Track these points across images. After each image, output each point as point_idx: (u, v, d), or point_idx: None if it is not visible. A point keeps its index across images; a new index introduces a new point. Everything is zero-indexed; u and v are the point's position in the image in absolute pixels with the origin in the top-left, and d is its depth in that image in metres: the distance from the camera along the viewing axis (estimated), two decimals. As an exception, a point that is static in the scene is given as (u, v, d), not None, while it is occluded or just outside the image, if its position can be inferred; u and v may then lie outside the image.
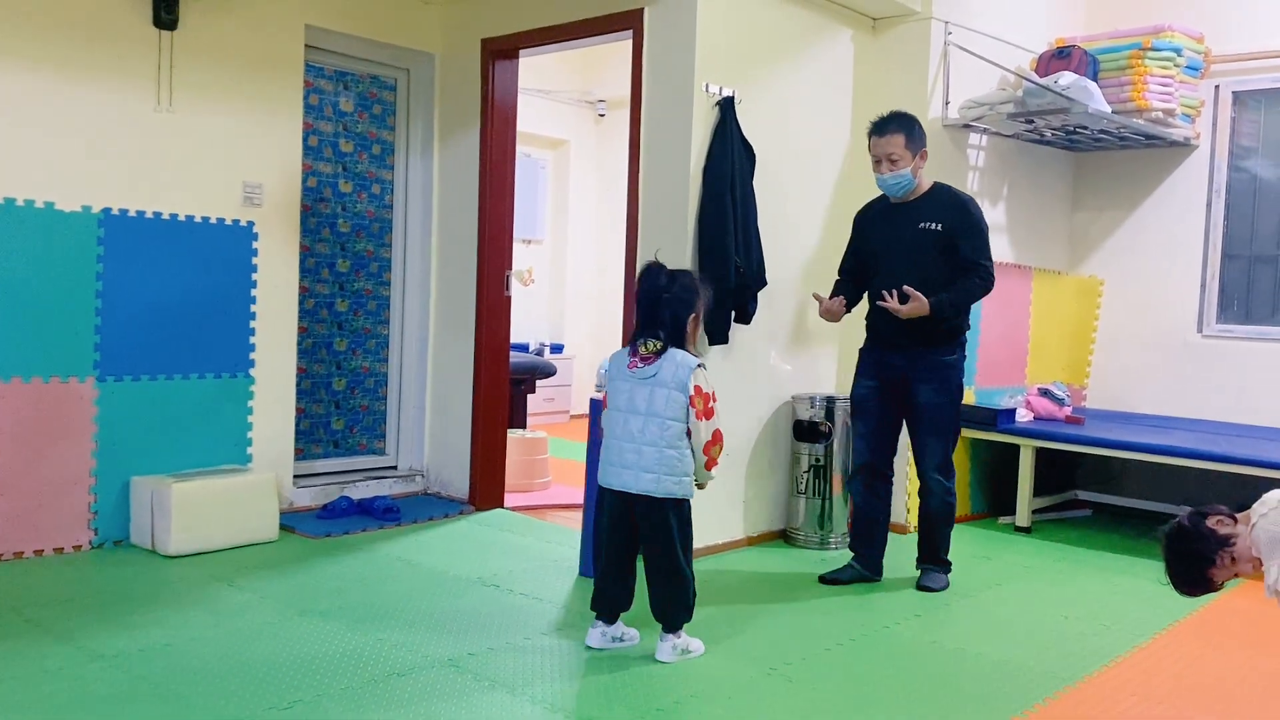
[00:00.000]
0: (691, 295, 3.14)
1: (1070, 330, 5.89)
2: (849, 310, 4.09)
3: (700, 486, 3.18)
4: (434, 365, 5.33)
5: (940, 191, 3.96)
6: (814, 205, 4.82)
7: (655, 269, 3.17)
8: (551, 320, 8.88)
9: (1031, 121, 4.95)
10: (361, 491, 5.02)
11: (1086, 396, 5.93)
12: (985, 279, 3.87)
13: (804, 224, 4.77)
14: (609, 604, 3.21)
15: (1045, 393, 5.38)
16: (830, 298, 4.07)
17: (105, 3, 4.04)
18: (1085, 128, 5.09)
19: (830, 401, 4.58)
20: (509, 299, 5.18)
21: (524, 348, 7.93)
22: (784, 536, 4.70)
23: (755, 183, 4.33)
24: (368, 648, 3.11)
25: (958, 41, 4.94)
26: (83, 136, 4.01)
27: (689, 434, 3.08)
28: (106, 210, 4.07)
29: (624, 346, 3.25)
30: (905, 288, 3.81)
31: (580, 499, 4.16)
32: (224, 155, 4.41)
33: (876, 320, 4.00)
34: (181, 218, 4.29)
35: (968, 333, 4.03)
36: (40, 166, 3.90)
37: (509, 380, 5.30)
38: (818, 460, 4.56)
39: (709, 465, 3.13)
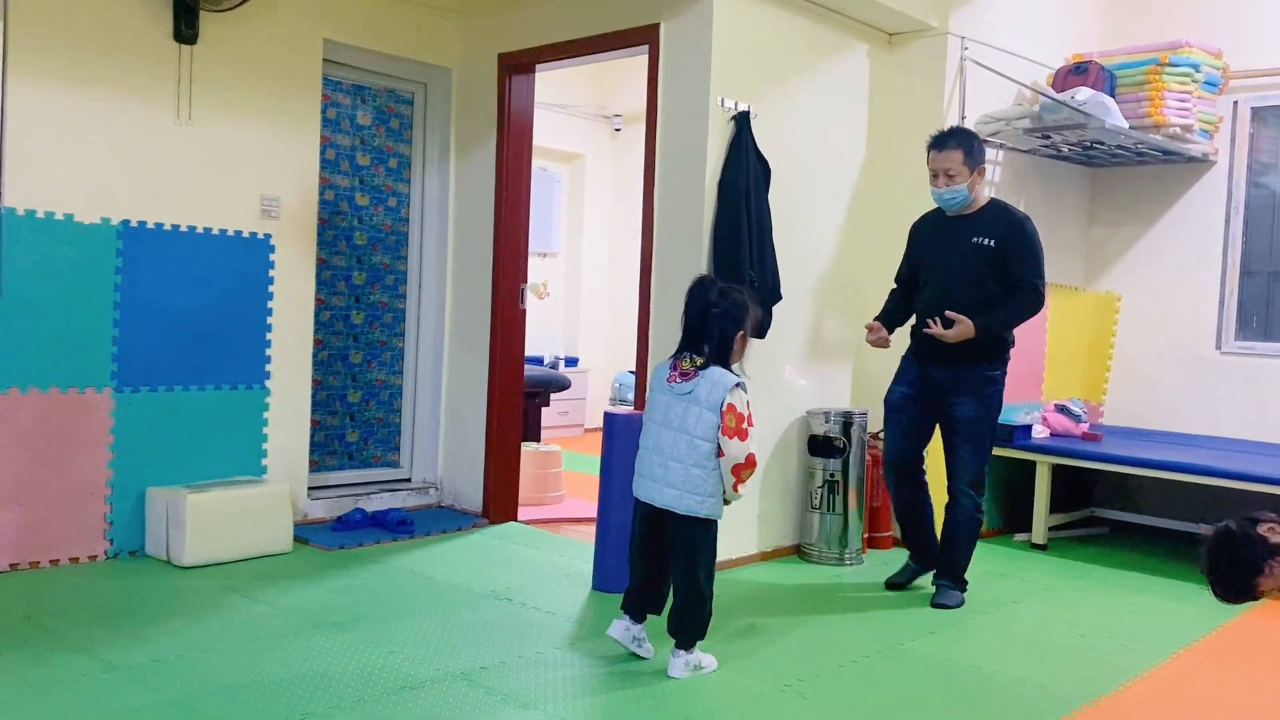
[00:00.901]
0: (741, 312, 3.10)
1: (1087, 346, 5.86)
2: (901, 324, 4.15)
3: (730, 501, 3.17)
4: (449, 378, 5.34)
5: (995, 207, 3.99)
6: (829, 220, 4.82)
7: (707, 282, 3.14)
8: (566, 333, 8.88)
9: (1048, 137, 4.94)
10: (375, 504, 5.02)
11: (1104, 413, 5.89)
12: (1034, 298, 3.87)
13: (819, 238, 4.76)
14: (639, 606, 3.23)
15: (1062, 409, 5.35)
16: (879, 315, 4.15)
17: (127, 17, 4.08)
18: (1102, 143, 5.07)
19: (847, 416, 4.56)
20: (524, 312, 5.19)
21: (538, 361, 7.94)
22: (798, 552, 4.68)
23: (770, 197, 4.33)
24: (381, 660, 3.11)
25: (974, 57, 4.94)
26: (103, 149, 4.04)
27: (719, 452, 3.05)
28: (125, 222, 4.10)
29: (668, 358, 3.22)
30: (948, 313, 3.83)
31: (594, 513, 4.15)
32: (242, 168, 4.44)
33: (921, 334, 4.00)
34: (199, 230, 4.32)
35: (1012, 349, 4.04)
36: (61, 179, 3.94)
37: (523, 393, 5.30)
38: (832, 476, 4.54)
39: (735, 486, 3.08)
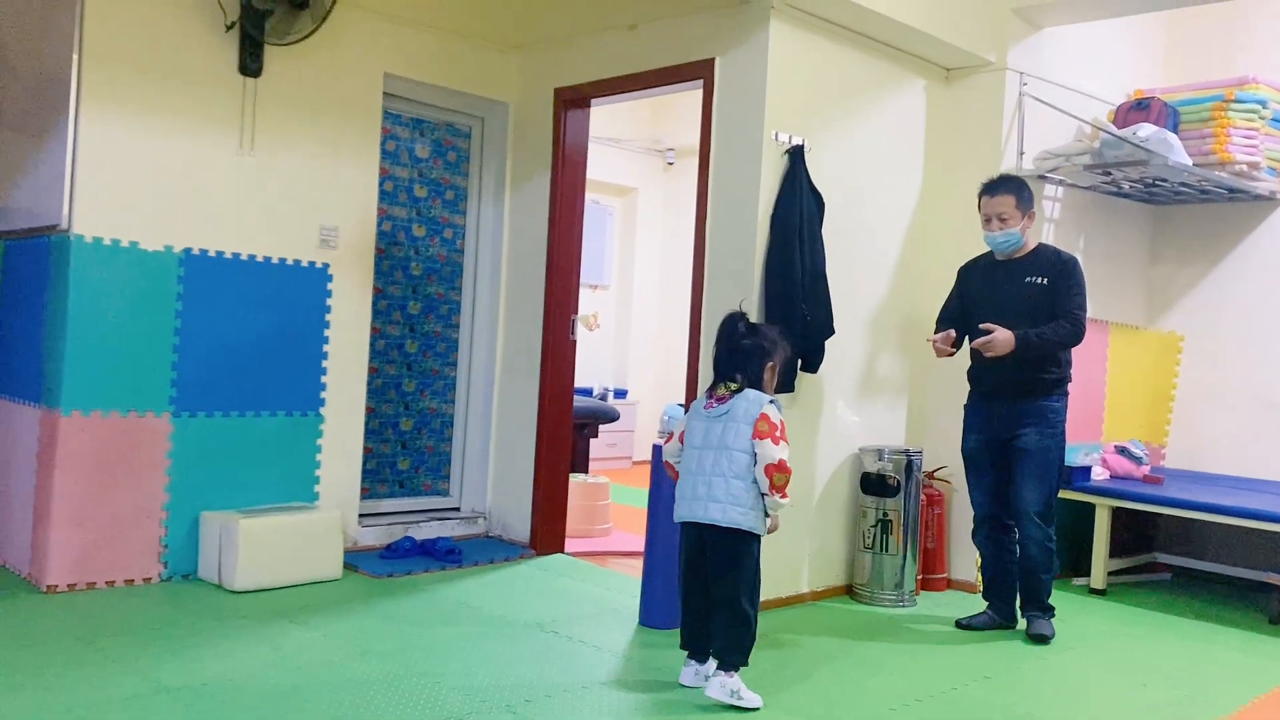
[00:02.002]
0: (769, 346, 3.22)
1: (1149, 387, 5.73)
2: (955, 350, 4.19)
3: (770, 518, 3.16)
4: (499, 407, 5.36)
5: (1045, 250, 4.14)
6: (884, 255, 4.77)
7: (735, 318, 3.26)
8: (616, 365, 8.89)
9: (1109, 173, 4.87)
10: (425, 532, 5.04)
11: (1165, 455, 5.74)
12: (1074, 325, 3.97)
13: (873, 274, 4.72)
14: (693, 641, 3.25)
15: (1122, 450, 5.22)
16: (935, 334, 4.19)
17: (195, 51, 4.19)
18: (1165, 180, 4.98)
19: (903, 455, 4.49)
20: (574, 343, 5.21)
21: (588, 392, 7.94)
22: (849, 592, 4.60)
23: (824, 231, 4.31)
24: (426, 690, 3.10)
25: (1033, 92, 4.89)
26: (168, 178, 4.14)
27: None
28: (187, 250, 4.19)
29: (703, 394, 3.31)
30: (983, 324, 3.93)
31: (641, 547, 4.13)
32: (302, 198, 4.52)
33: (980, 373, 4.15)
34: (259, 258, 4.40)
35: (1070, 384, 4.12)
36: (127, 207, 4.04)
37: (572, 424, 5.30)
38: (885, 515, 4.47)
39: (771, 490, 3.09)
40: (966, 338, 4.17)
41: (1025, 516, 4.03)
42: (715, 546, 3.15)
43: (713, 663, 3.21)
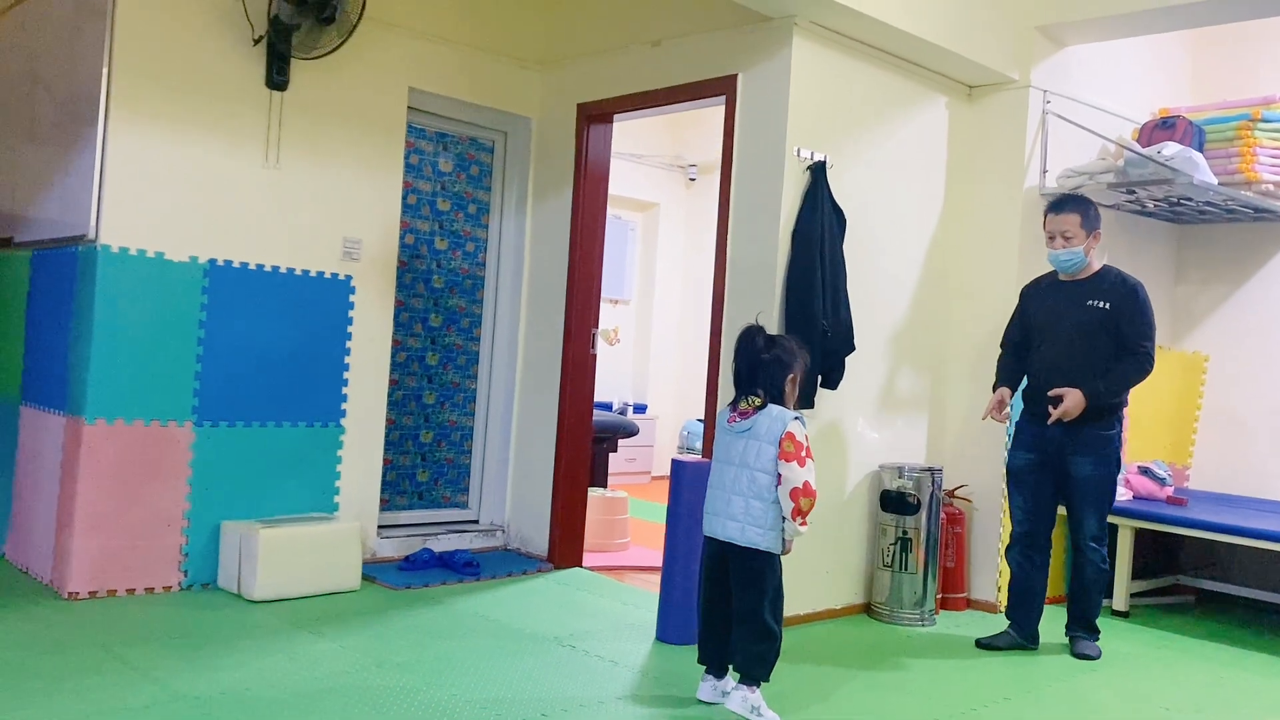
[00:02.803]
0: (789, 358, 3.21)
1: (1172, 407, 5.67)
2: (1015, 389, 4.20)
3: (786, 542, 3.14)
4: (518, 421, 5.37)
5: (1110, 272, 4.11)
6: (905, 271, 4.76)
7: (753, 332, 3.25)
8: (635, 380, 8.89)
9: (1133, 192, 4.84)
10: (443, 544, 5.05)
11: (1190, 477, 5.68)
12: (1144, 362, 3.98)
13: (895, 290, 4.71)
14: (711, 655, 3.25)
15: (1146, 471, 5.17)
16: (995, 387, 4.18)
17: (223, 65, 4.24)
18: (1190, 199, 4.95)
19: (925, 472, 4.46)
20: (594, 357, 5.21)
21: (607, 406, 7.95)
22: (868, 610, 4.57)
23: (845, 247, 4.30)
24: (442, 702, 3.10)
25: (1057, 110, 4.87)
26: (194, 190, 4.18)
27: (779, 485, 3.10)
28: (212, 261, 4.23)
29: (728, 405, 3.30)
30: (1052, 391, 3.93)
31: (659, 562, 4.12)
32: (326, 211, 4.56)
33: (1037, 395, 4.11)
34: (283, 270, 4.43)
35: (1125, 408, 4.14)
36: (153, 218, 4.08)
37: (591, 438, 5.30)
38: (905, 533, 4.44)
39: (794, 514, 3.07)
40: (1029, 367, 4.17)
41: (1084, 542, 4.06)
42: (736, 562, 3.15)
43: (730, 678, 3.20)
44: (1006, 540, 4.39)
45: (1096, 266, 4.10)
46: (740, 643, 3.14)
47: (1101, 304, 4.00)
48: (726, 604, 3.20)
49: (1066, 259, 4.06)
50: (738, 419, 3.20)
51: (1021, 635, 4.15)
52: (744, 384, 3.23)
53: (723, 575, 3.20)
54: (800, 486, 3.06)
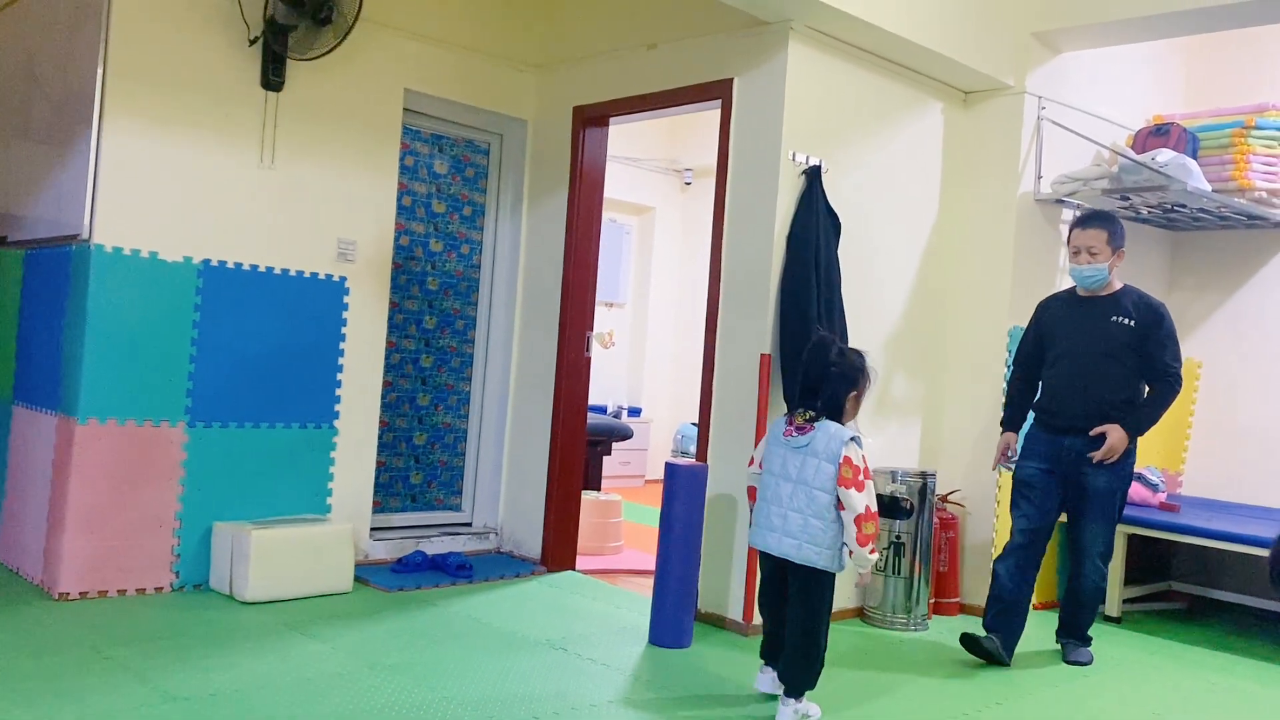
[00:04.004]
0: (855, 373, 3.21)
1: (1166, 414, 5.67)
2: (1028, 411, 4.23)
3: (861, 575, 3.22)
4: (512, 423, 5.36)
5: (1131, 291, 4.10)
6: (900, 276, 4.77)
7: (825, 343, 3.28)
8: (630, 383, 8.89)
9: (1127, 198, 4.85)
10: (436, 546, 5.04)
11: (1182, 483, 5.69)
12: (1175, 385, 4.00)
13: (889, 294, 4.71)
14: (772, 652, 3.36)
15: (1139, 477, 5.17)
16: (1007, 419, 4.23)
17: (218, 65, 4.23)
18: (1184, 206, 4.96)
19: (919, 477, 4.46)
20: (589, 360, 5.21)
21: (602, 410, 7.94)
22: (861, 615, 4.57)
23: (840, 252, 4.31)
24: (433, 705, 3.09)
25: (1051, 116, 4.89)
26: (189, 190, 4.17)
27: (839, 505, 3.12)
28: (206, 261, 4.22)
29: (783, 415, 3.35)
30: (1092, 433, 3.92)
31: (652, 565, 4.11)
32: (320, 212, 4.55)
33: (1053, 408, 4.09)
34: (276, 271, 4.43)
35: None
36: (147, 218, 4.07)
37: (585, 441, 5.30)
38: (899, 538, 4.44)
39: (859, 540, 3.09)
40: (1043, 382, 4.17)
41: (1088, 555, 4.04)
42: (795, 579, 3.20)
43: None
44: (999, 549, 4.35)
45: (1117, 285, 4.09)
46: (791, 656, 3.19)
47: (1127, 321, 3.98)
48: (784, 607, 3.29)
49: (1090, 275, 4.02)
50: (794, 433, 3.21)
51: (1005, 649, 3.97)
52: (804, 395, 3.23)
53: (780, 586, 3.28)
54: (863, 512, 3.08)
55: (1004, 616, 4.01)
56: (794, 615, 3.19)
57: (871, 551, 3.09)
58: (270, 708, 2.97)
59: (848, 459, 3.09)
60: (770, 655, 3.37)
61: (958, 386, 4.92)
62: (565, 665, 3.62)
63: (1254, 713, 3.66)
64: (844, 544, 3.13)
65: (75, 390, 3.95)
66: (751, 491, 3.42)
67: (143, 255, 4.06)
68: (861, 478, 3.09)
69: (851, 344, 4.28)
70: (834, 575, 3.19)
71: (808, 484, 3.13)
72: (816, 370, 3.21)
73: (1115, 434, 3.91)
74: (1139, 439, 4.03)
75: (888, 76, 4.63)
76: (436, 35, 4.97)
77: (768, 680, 3.36)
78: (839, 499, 3.09)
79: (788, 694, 3.17)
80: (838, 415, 3.19)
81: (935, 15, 4.43)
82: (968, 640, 4.00)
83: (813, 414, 3.18)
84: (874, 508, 3.10)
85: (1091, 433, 3.93)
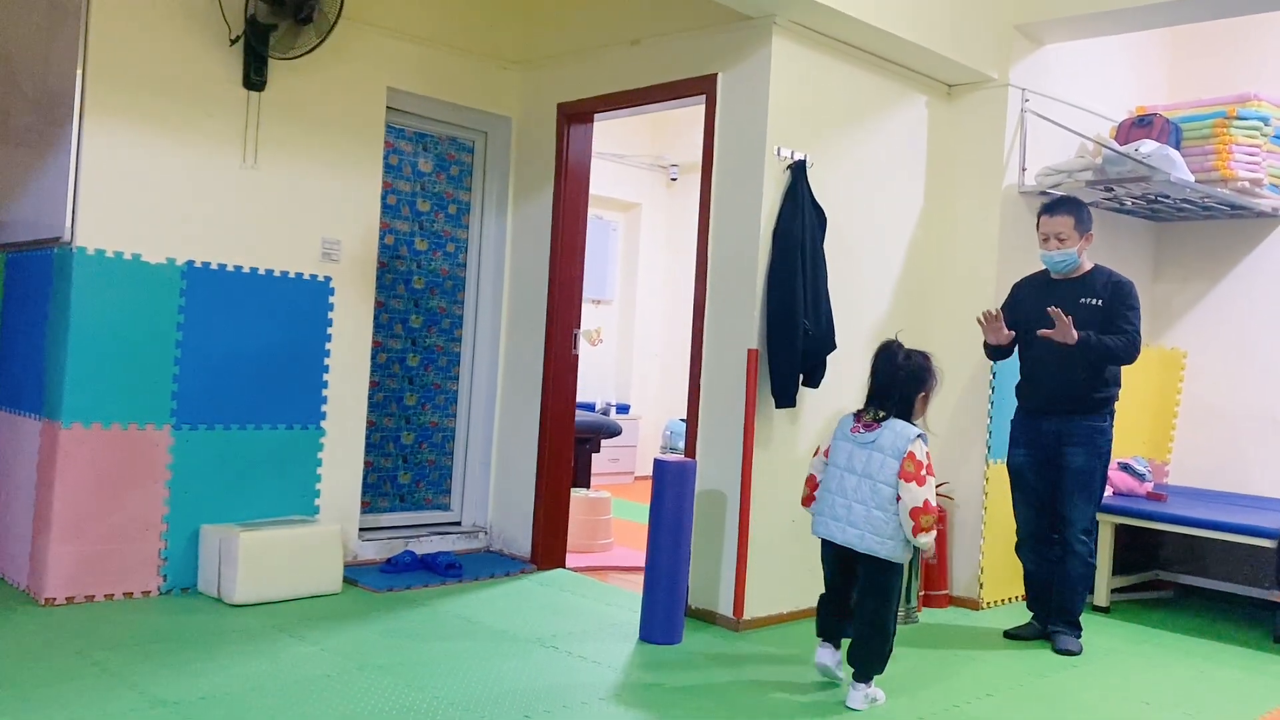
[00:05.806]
0: (923, 374, 3.37)
1: (1152, 403, 5.71)
2: (1006, 356, 4.31)
3: (920, 550, 3.35)
4: (500, 422, 5.35)
5: (1101, 272, 4.20)
6: (886, 270, 4.77)
7: (893, 347, 3.41)
8: (618, 380, 8.89)
9: (1111, 190, 4.87)
10: (425, 546, 5.02)
11: (1169, 473, 5.72)
12: (1129, 341, 4.04)
13: (875, 288, 4.72)
14: (830, 630, 3.50)
15: (1125, 467, 5.20)
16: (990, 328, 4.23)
17: (199, 65, 4.21)
18: (1167, 197, 4.98)
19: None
20: (577, 358, 5.20)
21: (590, 407, 7.93)
22: (850, 607, 4.58)
23: (826, 246, 4.31)
24: (424, 705, 3.09)
25: (1035, 109, 4.90)
26: (171, 191, 4.14)
27: (899, 498, 3.24)
28: (190, 263, 4.19)
29: (850, 413, 3.48)
30: (1041, 332, 3.99)
31: (642, 561, 4.11)
32: (304, 212, 4.53)
33: (1028, 389, 4.26)
34: (261, 271, 4.40)
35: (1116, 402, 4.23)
36: (130, 219, 4.04)
37: (574, 439, 5.29)
38: (886, 530, 4.46)
39: (915, 530, 3.21)
40: (1020, 363, 4.28)
41: (1071, 534, 4.13)
42: (864, 569, 3.33)
43: (841, 651, 3.46)
44: (989, 541, 4.41)
45: (1088, 266, 4.20)
46: (860, 643, 3.32)
47: (1094, 301, 4.09)
48: (844, 592, 3.45)
49: (1060, 260, 4.15)
50: (861, 429, 3.35)
51: (1044, 626, 4.26)
52: (876, 396, 3.38)
53: (840, 569, 3.43)
54: (920, 505, 3.20)
55: (1037, 596, 4.29)
56: (865, 604, 3.33)
57: (914, 532, 3.22)
58: (260, 711, 2.96)
59: (911, 454, 3.23)
60: (828, 632, 3.50)
61: (943, 380, 4.92)
62: (556, 663, 3.61)
63: (1239, 700, 3.68)
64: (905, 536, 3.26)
65: (59, 394, 3.92)
66: (810, 480, 3.55)
67: (125, 257, 4.03)
68: (924, 473, 3.22)
69: (839, 338, 4.32)
70: (901, 566, 3.33)
71: (873, 478, 3.28)
72: (886, 373, 3.37)
73: (1064, 322, 3.91)
74: (1112, 421, 4.18)
75: (871, 70, 4.63)
76: (419, 33, 4.95)
77: (827, 654, 3.49)
78: (899, 492, 3.22)
79: (856, 678, 3.31)
80: (907, 415, 3.34)
81: (917, 8, 4.43)
82: (1011, 634, 4.29)
83: (882, 414, 3.32)
84: (933, 501, 3.23)
85: (1040, 332, 3.99)
